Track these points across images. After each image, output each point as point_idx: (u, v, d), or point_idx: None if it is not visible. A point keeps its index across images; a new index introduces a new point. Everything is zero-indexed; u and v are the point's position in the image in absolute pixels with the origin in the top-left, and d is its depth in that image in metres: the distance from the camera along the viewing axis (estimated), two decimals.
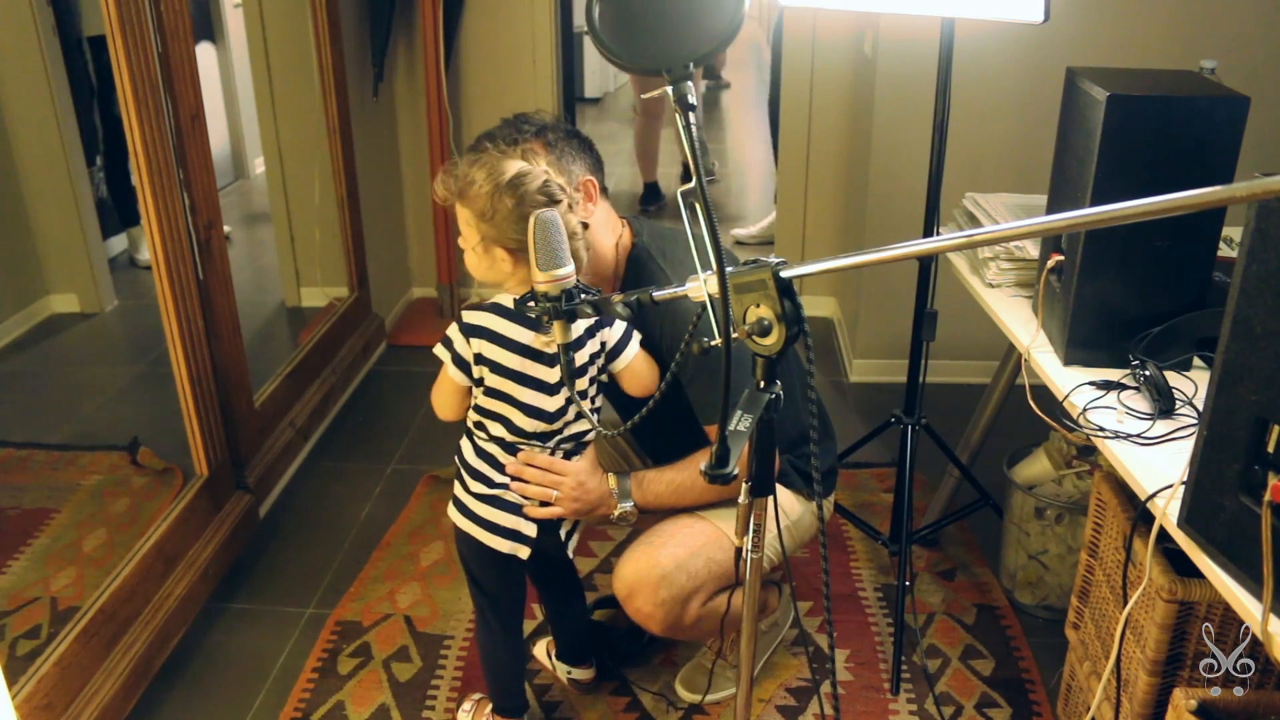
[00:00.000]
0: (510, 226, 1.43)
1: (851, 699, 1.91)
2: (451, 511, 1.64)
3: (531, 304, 1.26)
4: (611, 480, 1.62)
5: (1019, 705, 1.89)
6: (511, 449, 1.57)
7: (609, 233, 1.70)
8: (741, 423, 1.00)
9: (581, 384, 1.56)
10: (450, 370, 1.54)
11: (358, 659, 2.02)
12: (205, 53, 3.82)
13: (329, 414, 2.86)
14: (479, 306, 1.54)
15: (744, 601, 1.18)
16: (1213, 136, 1.41)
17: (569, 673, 1.91)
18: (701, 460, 1.59)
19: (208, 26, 3.84)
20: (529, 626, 2.09)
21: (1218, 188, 0.76)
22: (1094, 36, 2.67)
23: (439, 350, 1.54)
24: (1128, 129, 1.41)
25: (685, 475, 1.65)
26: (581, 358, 1.54)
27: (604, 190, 1.69)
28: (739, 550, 1.14)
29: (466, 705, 1.85)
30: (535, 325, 1.50)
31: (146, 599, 1.93)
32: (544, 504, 1.59)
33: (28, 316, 2.96)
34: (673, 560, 1.65)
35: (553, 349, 1.51)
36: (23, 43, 2.76)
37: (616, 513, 1.63)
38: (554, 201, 1.44)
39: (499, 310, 1.52)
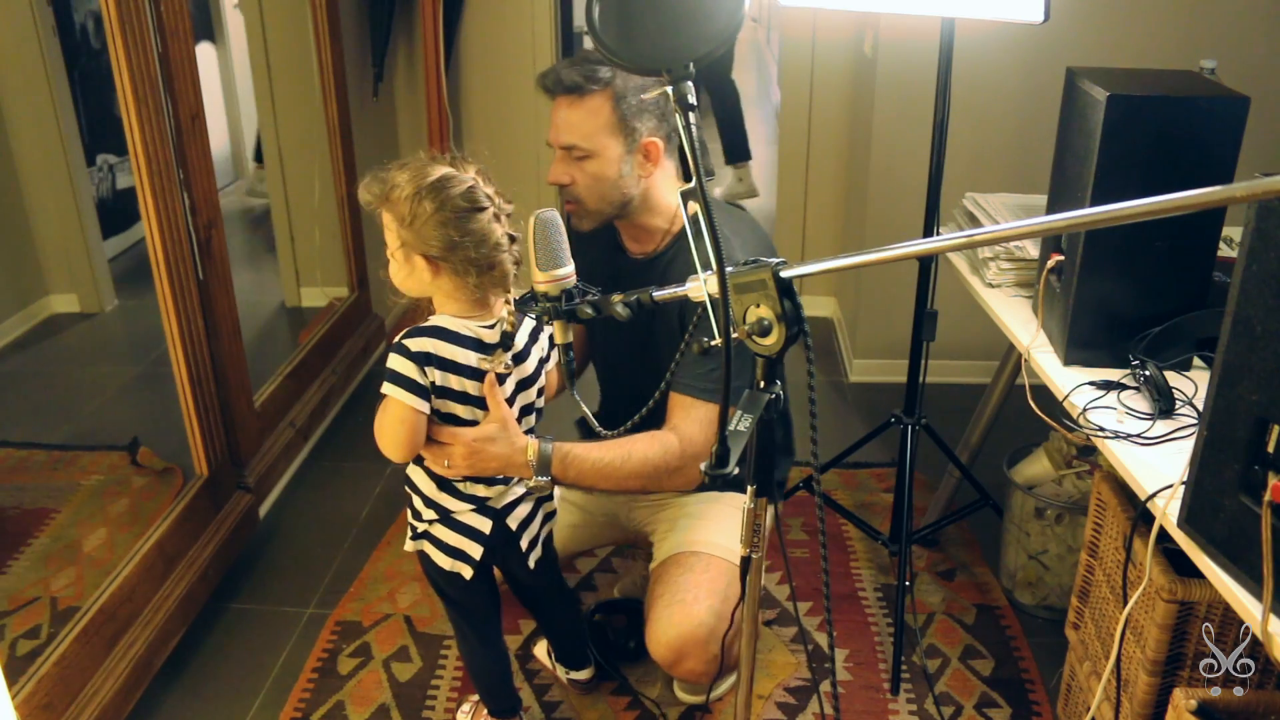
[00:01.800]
0: (431, 232, 1.37)
1: (851, 698, 1.91)
2: (407, 543, 1.60)
3: (532, 304, 1.26)
4: (531, 450, 1.51)
5: (1019, 705, 1.89)
6: (490, 479, 1.54)
7: (671, 191, 1.71)
8: (741, 423, 1.00)
9: (529, 395, 1.55)
10: (411, 405, 1.42)
11: (358, 659, 2.02)
12: (205, 53, 3.82)
13: (329, 414, 2.86)
14: (419, 331, 1.43)
15: (744, 601, 1.18)
16: (1213, 136, 1.41)
17: (568, 674, 1.91)
18: (639, 442, 1.60)
19: (208, 26, 3.84)
20: (528, 627, 2.09)
21: (1218, 188, 0.76)
22: (1094, 36, 2.67)
23: (391, 390, 1.41)
24: (1128, 129, 1.41)
25: (614, 455, 1.58)
26: (529, 367, 1.54)
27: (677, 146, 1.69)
28: (745, 559, 1.13)
29: (465, 707, 1.85)
30: (477, 346, 1.44)
31: (146, 599, 1.93)
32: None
33: (28, 316, 2.97)
34: (711, 612, 1.66)
35: (497, 368, 1.46)
36: (23, 42, 2.76)
37: (530, 484, 1.56)
38: (479, 209, 1.38)
39: (441, 334, 1.43)
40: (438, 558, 1.57)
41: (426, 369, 1.41)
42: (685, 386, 1.63)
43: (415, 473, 1.55)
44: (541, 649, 1.99)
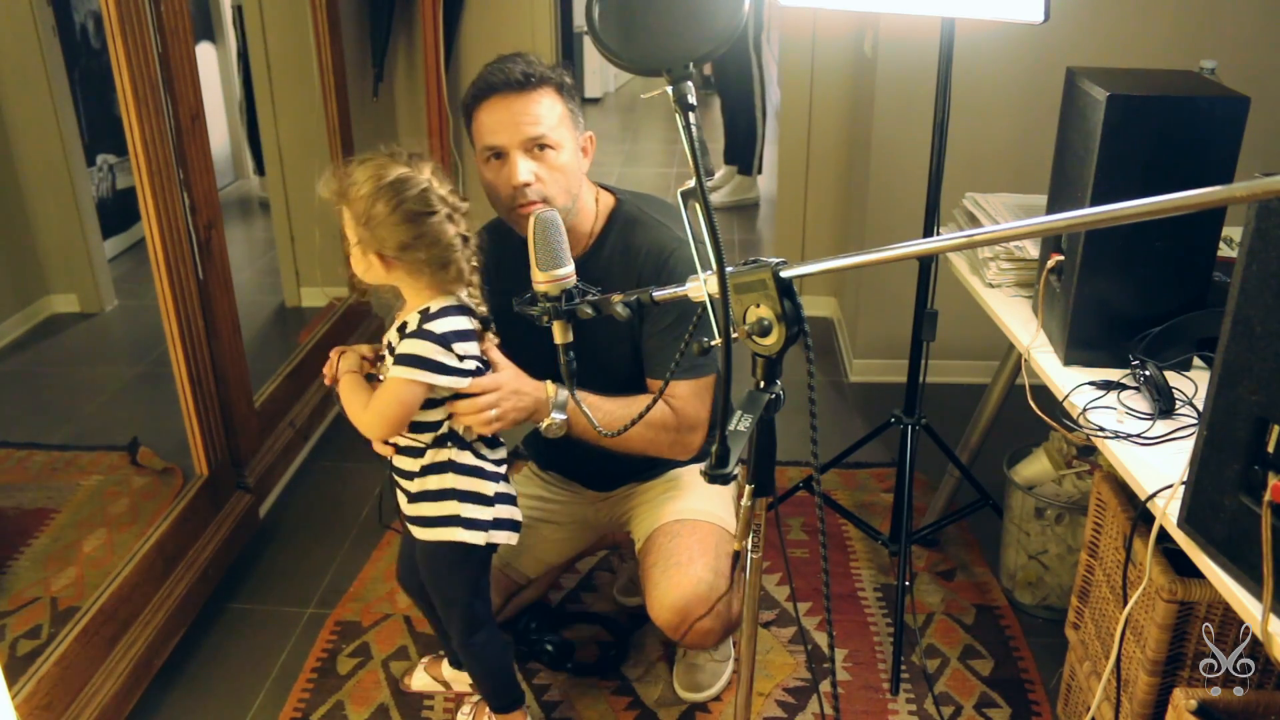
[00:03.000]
0: (385, 234, 1.40)
1: (851, 698, 1.91)
2: (470, 535, 1.56)
3: (532, 304, 1.26)
4: (550, 387, 1.55)
5: (1019, 705, 1.89)
6: (493, 441, 1.59)
7: (590, 189, 1.71)
8: (741, 423, 1.00)
9: None
10: (425, 382, 1.45)
11: (357, 659, 2.02)
12: (205, 53, 3.82)
13: (329, 414, 2.86)
14: (433, 315, 1.45)
15: (744, 602, 1.18)
16: (1213, 136, 1.41)
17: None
18: (641, 402, 1.59)
19: (208, 26, 3.84)
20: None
21: (1218, 188, 0.76)
22: (1094, 36, 2.67)
23: (404, 373, 1.44)
24: (1128, 129, 1.41)
25: (625, 412, 1.58)
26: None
27: None
28: (737, 554, 1.13)
29: (465, 709, 1.85)
30: (468, 311, 1.50)
31: (146, 599, 1.93)
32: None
33: (28, 316, 2.97)
34: (708, 568, 1.67)
35: (490, 344, 1.55)
36: (23, 43, 2.76)
37: (545, 423, 1.56)
38: (429, 213, 1.41)
39: (449, 310, 1.47)
40: (508, 537, 1.62)
41: (455, 345, 1.45)
42: (657, 373, 1.67)
43: (465, 457, 1.55)
44: (442, 668, 1.95)
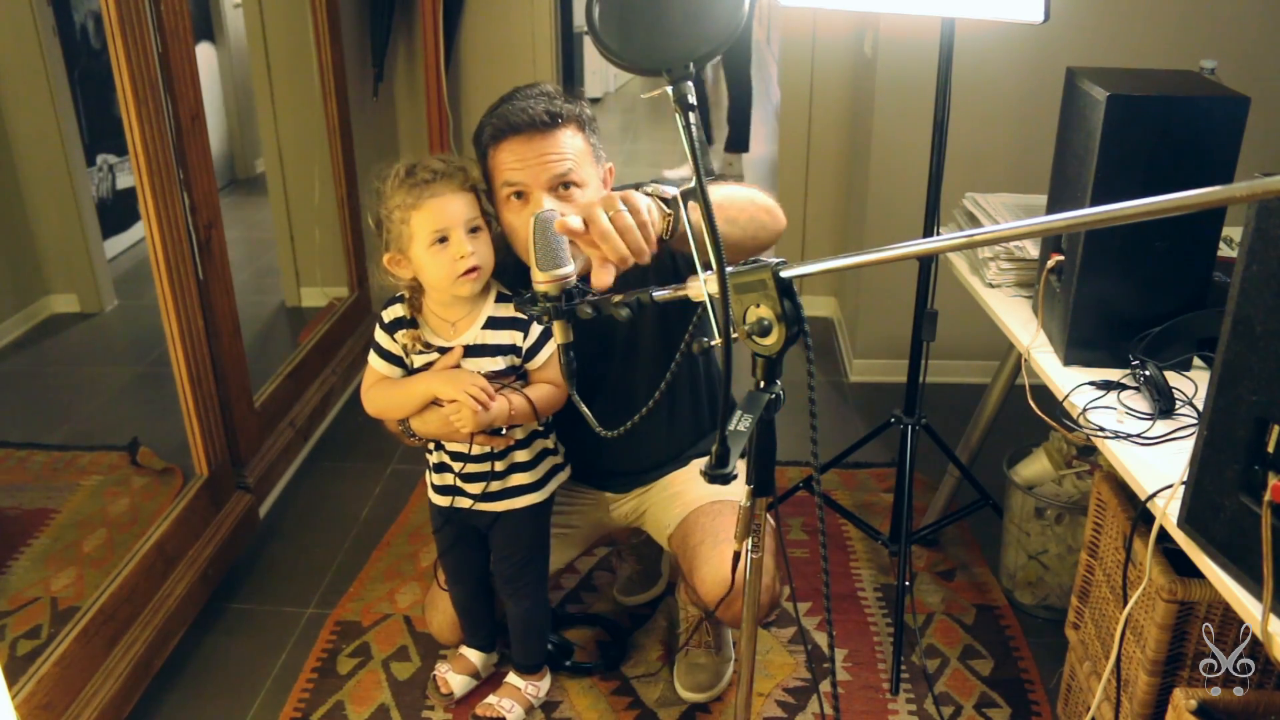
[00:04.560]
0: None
1: (851, 699, 1.91)
2: (566, 472, 1.79)
3: (532, 304, 1.26)
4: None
5: (1018, 705, 1.89)
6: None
7: None
8: (742, 423, 1.00)
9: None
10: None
11: (357, 659, 2.02)
12: (205, 53, 3.82)
13: (329, 414, 2.86)
14: (511, 293, 1.59)
15: (744, 603, 1.18)
16: (1213, 136, 1.41)
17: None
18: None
19: (208, 26, 3.84)
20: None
21: (1218, 188, 0.76)
22: (1094, 36, 2.67)
23: (554, 337, 1.45)
24: (1128, 129, 1.41)
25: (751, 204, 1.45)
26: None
27: None
28: (736, 555, 1.13)
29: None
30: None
31: (146, 599, 1.93)
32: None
33: (28, 316, 2.97)
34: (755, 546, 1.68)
35: None
36: (23, 43, 2.76)
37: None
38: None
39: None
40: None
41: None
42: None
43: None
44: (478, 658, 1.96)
